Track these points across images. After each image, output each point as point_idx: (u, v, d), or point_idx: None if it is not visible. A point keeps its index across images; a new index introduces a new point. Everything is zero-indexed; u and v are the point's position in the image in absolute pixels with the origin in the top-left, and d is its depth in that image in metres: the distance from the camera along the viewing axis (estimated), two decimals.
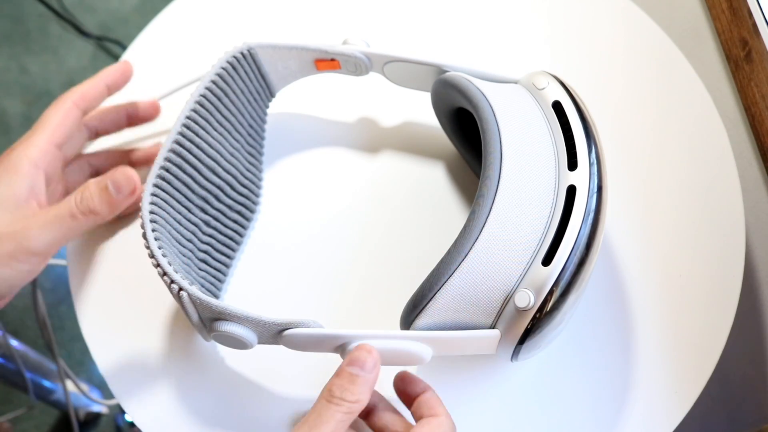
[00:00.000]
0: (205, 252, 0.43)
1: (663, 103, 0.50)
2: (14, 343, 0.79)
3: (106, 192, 0.37)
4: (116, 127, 0.45)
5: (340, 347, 0.35)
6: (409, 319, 0.35)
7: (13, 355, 0.77)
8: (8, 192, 0.36)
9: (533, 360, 0.43)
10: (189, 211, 0.42)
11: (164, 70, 0.52)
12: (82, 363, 1.05)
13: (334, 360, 0.36)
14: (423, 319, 0.35)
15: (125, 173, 0.38)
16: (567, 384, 0.43)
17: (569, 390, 0.43)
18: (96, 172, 0.45)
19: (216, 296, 0.43)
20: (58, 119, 0.40)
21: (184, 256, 0.40)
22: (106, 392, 0.97)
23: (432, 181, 0.48)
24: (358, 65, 0.44)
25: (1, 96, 1.23)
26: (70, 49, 1.28)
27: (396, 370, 0.38)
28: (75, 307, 0.45)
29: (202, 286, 0.41)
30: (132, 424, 1.03)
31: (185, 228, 0.41)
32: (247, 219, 0.46)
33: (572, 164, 0.36)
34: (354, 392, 0.32)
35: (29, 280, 0.37)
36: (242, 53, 0.43)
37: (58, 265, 0.52)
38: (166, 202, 0.40)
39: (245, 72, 0.44)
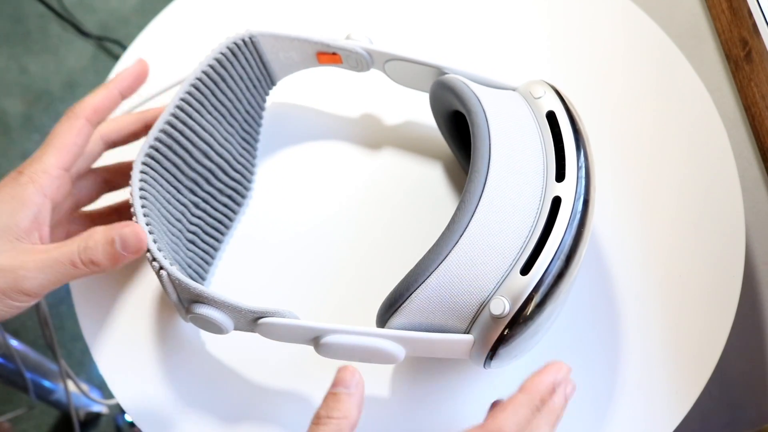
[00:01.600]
0: (193, 233, 0.43)
1: (663, 103, 0.50)
2: (14, 343, 0.79)
3: (112, 246, 0.35)
4: (135, 138, 0.44)
5: (314, 339, 0.36)
6: (384, 317, 0.36)
7: (13, 355, 0.77)
8: (10, 222, 0.35)
9: (533, 359, 0.43)
10: (178, 191, 0.42)
11: (164, 71, 0.51)
12: (82, 363, 1.05)
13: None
14: (398, 319, 0.35)
15: (134, 230, 0.35)
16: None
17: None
18: (106, 182, 0.45)
19: (202, 278, 0.44)
20: (70, 139, 0.38)
21: (172, 234, 0.41)
22: (106, 392, 0.97)
23: (428, 182, 0.48)
24: (359, 61, 0.44)
25: (1, 96, 1.23)
26: (70, 49, 1.28)
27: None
28: (75, 307, 0.45)
29: (189, 266, 0.42)
30: (132, 424, 1.03)
31: (174, 208, 0.42)
32: (238, 204, 0.47)
33: (560, 175, 0.36)
34: (339, 408, 0.32)
35: (17, 314, 0.36)
36: (243, 40, 0.44)
37: None
38: (155, 180, 0.40)
39: (246, 59, 0.44)
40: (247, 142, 0.47)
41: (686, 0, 0.58)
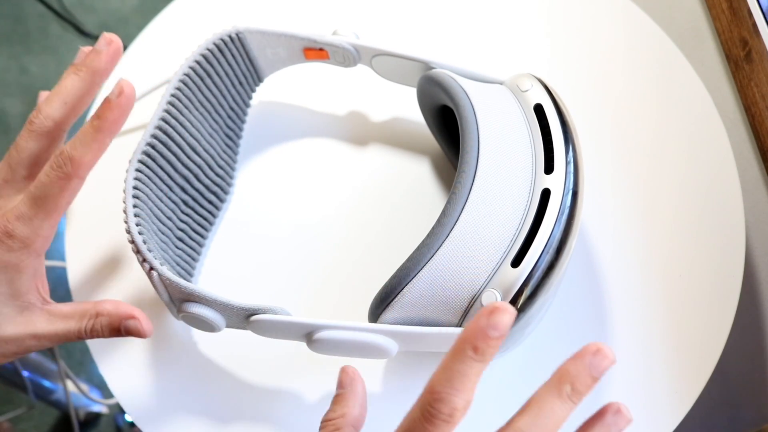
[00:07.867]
0: (182, 231, 0.44)
1: (663, 103, 0.50)
2: None
3: (118, 331, 0.37)
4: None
5: (307, 335, 0.36)
6: (376, 312, 0.36)
7: None
8: (11, 290, 0.35)
9: (532, 361, 0.43)
10: (170, 189, 0.42)
11: (164, 71, 0.51)
12: (82, 363, 1.05)
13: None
14: (390, 313, 0.35)
15: (139, 324, 0.38)
16: None
17: None
18: None
19: (190, 274, 0.44)
20: (63, 200, 0.35)
21: (162, 233, 0.41)
22: (106, 392, 0.97)
23: (416, 177, 0.48)
24: (346, 56, 0.44)
25: (1, 96, 1.23)
26: (70, 49, 1.28)
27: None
28: None
29: (178, 264, 0.42)
30: (132, 424, 1.03)
31: (166, 206, 0.42)
32: (222, 201, 0.47)
33: (549, 168, 0.36)
34: (335, 409, 0.33)
35: None
36: (230, 36, 0.44)
37: (58, 266, 0.52)
38: (149, 179, 0.40)
39: (232, 55, 0.45)
40: (231, 139, 0.48)
41: (686, 0, 0.58)
